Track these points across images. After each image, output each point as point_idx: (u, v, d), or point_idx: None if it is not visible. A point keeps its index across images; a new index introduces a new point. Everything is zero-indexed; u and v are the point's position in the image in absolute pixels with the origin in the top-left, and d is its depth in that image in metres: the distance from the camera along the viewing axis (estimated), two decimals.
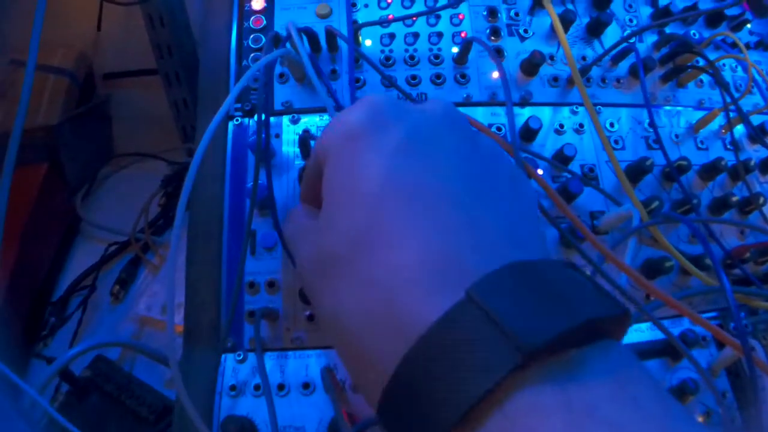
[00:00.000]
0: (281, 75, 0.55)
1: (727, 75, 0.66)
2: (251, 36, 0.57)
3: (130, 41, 0.83)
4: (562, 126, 0.56)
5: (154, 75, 0.80)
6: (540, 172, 0.54)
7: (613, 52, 0.59)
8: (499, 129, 0.54)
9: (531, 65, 0.56)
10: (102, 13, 0.82)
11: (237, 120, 0.55)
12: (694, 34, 0.65)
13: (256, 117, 0.53)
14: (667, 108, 0.61)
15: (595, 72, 0.59)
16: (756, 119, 0.63)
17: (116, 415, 0.58)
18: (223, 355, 0.48)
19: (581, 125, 0.56)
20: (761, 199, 0.58)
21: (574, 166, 0.55)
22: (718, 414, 0.49)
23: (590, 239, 0.42)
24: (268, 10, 0.58)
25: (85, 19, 0.83)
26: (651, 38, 0.64)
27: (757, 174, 0.63)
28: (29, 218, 0.71)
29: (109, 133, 0.88)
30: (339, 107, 0.46)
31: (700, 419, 0.49)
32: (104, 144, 0.86)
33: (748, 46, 0.69)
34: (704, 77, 0.63)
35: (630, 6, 0.64)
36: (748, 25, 0.71)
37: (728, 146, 0.62)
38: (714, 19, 0.67)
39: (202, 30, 0.57)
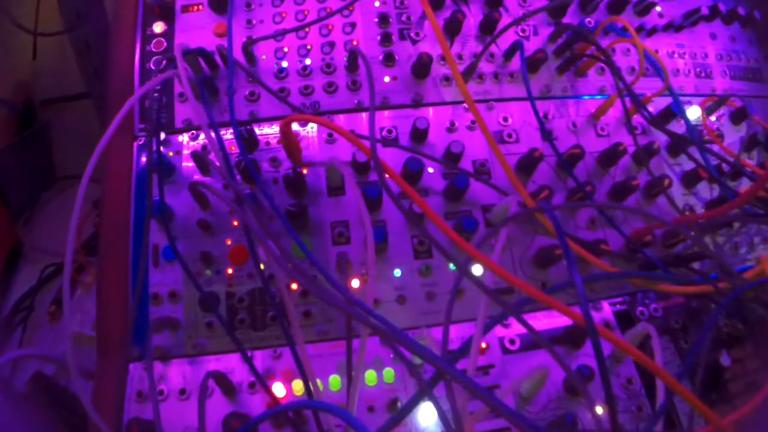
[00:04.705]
0: (180, 95, 0.58)
1: (633, 60, 0.67)
2: (153, 58, 0.60)
3: (66, 67, 0.85)
4: (453, 124, 0.58)
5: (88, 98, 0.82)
6: (431, 170, 0.56)
7: (506, 48, 0.61)
8: (389, 132, 0.56)
9: (420, 67, 0.58)
10: (36, 43, 0.85)
11: (141, 140, 0.57)
12: (590, 23, 0.66)
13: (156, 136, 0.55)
14: (575, 97, 0.63)
15: (488, 69, 0.61)
16: (663, 101, 0.64)
17: (52, 425, 0.60)
18: (130, 364, 0.50)
19: (473, 122, 0.58)
20: (666, 182, 0.59)
21: (466, 163, 0.57)
22: (624, 401, 0.50)
23: (455, 240, 0.43)
24: (169, 33, 0.60)
25: (21, 50, 0.85)
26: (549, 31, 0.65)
27: (666, 156, 0.64)
28: None
29: (49, 158, 0.91)
30: (213, 125, 0.48)
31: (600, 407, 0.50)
32: (45, 168, 0.89)
33: (654, 29, 0.70)
34: None
35: (524, 1, 0.65)
36: (657, 8, 0.72)
37: (630, 132, 0.63)
38: (617, 5, 0.68)
39: (109, 54, 0.59)
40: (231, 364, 0.49)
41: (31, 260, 0.81)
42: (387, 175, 0.45)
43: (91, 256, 0.78)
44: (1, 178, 0.77)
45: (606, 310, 0.55)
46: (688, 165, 0.63)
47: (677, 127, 0.64)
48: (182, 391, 0.48)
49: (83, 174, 0.90)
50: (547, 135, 0.56)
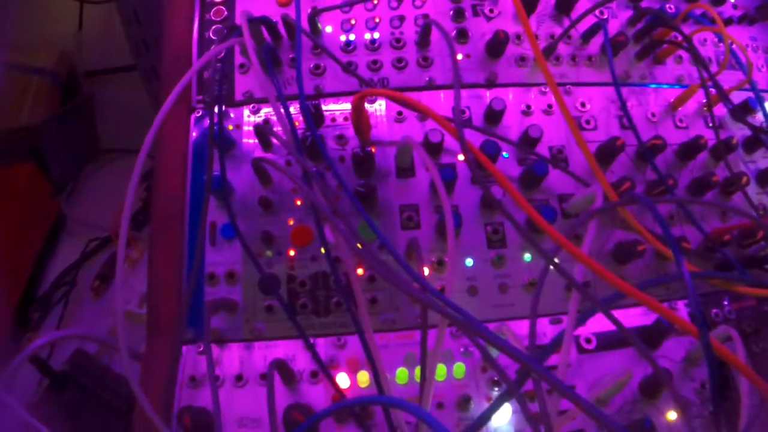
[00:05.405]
0: (241, 65, 0.55)
1: (709, 51, 0.64)
2: (212, 27, 0.57)
3: (112, 39, 0.83)
4: (529, 107, 0.54)
5: (135, 71, 0.80)
6: (506, 155, 0.53)
7: (584, 29, 0.57)
8: (462, 112, 0.53)
9: (495, 45, 0.54)
10: (83, 12, 0.83)
11: (199, 112, 0.54)
12: (670, 8, 0.62)
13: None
14: (653, 86, 0.59)
15: (565, 50, 0.57)
16: (741, 95, 0.61)
17: (92, 407, 0.59)
18: (183, 347, 0.48)
19: (550, 106, 0.55)
20: (744, 179, 0.55)
21: (542, 148, 0.53)
22: (697, 405, 0.47)
23: (546, 228, 0.40)
24: (229, 1, 0.58)
25: (66, 19, 0.83)
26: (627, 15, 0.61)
27: (742, 153, 0.60)
28: (14, 218, 0.72)
29: (93, 130, 0.89)
30: (281, 97, 0.45)
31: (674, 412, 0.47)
32: (89, 141, 0.87)
33: (730, 20, 0.66)
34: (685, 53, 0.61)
35: None
36: None
37: (709, 125, 0.59)
38: None
39: (163, 23, 0.57)
40: (290, 351, 0.47)
41: (73, 233, 0.79)
42: (462, 158, 0.42)
43: (136, 230, 0.76)
44: (43, 149, 0.75)
45: (682, 311, 0.52)
46: (763, 163, 0.59)
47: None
48: (239, 378, 0.46)
49: (129, 147, 0.88)
50: (631, 123, 0.53)
